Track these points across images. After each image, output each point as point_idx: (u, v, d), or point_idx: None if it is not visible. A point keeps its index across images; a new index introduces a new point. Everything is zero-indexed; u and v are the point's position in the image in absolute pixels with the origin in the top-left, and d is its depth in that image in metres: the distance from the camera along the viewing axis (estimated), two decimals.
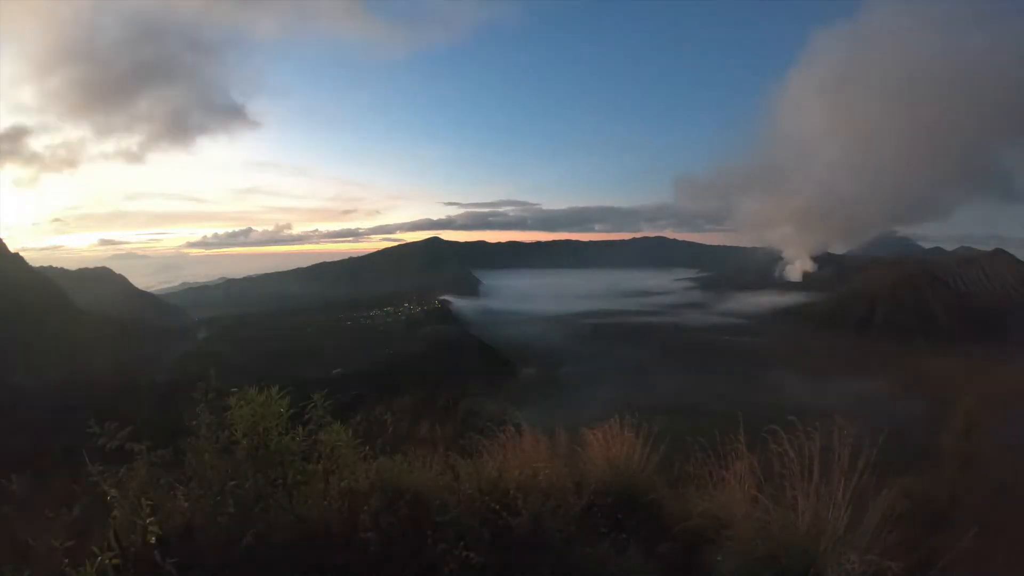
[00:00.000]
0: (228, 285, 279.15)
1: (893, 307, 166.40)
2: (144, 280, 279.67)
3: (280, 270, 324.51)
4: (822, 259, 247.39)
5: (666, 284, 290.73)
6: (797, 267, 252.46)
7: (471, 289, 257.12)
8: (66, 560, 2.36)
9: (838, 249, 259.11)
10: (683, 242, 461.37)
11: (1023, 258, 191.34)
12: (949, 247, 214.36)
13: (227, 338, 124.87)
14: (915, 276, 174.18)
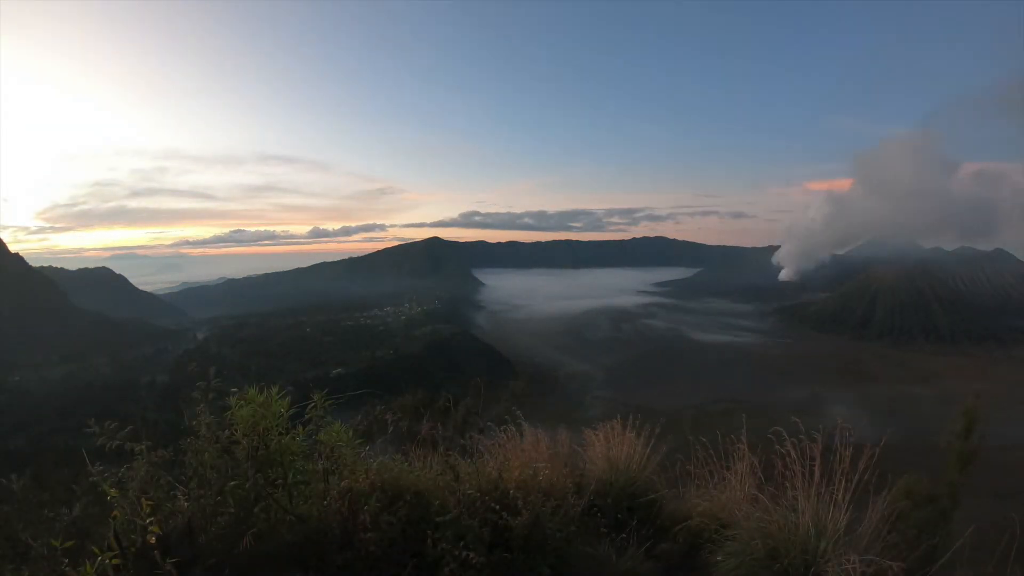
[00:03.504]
0: (228, 285, 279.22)
1: (893, 307, 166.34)
2: (144, 280, 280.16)
3: (280, 270, 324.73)
4: (821, 259, 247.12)
5: (661, 284, 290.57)
6: (793, 268, 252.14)
7: (470, 289, 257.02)
8: (66, 560, 2.36)
9: (838, 250, 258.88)
10: (682, 242, 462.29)
11: (1023, 258, 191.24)
12: (949, 247, 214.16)
13: (227, 338, 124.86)
14: (915, 276, 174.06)
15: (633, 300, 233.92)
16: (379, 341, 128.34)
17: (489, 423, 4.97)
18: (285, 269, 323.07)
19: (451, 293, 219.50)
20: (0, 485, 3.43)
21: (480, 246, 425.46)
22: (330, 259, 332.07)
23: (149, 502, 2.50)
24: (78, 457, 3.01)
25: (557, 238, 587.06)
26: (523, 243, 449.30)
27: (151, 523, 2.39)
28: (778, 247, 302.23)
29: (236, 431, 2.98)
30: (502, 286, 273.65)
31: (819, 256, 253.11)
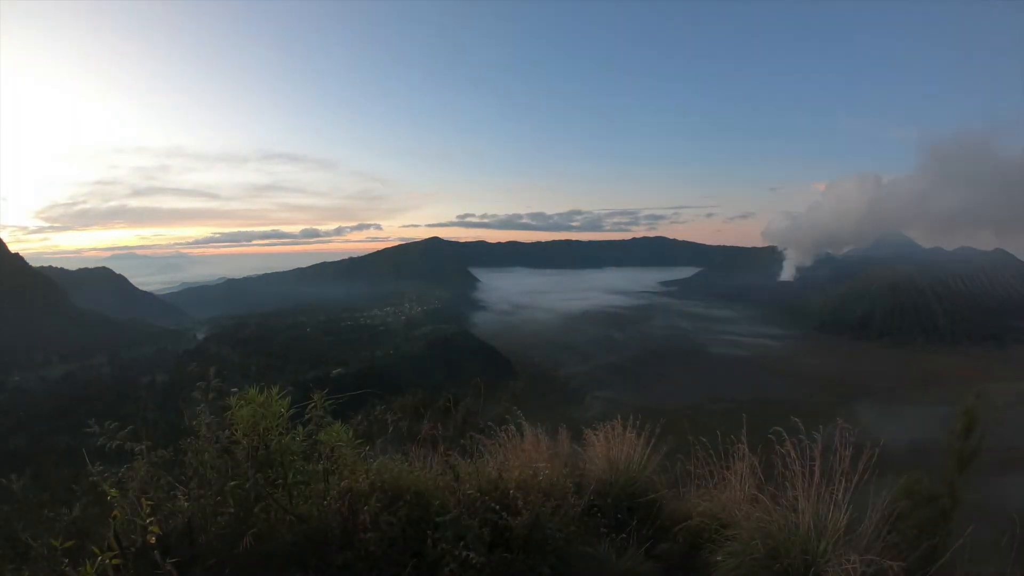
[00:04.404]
0: (228, 285, 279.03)
1: (893, 307, 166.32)
2: (144, 280, 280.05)
3: (280, 270, 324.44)
4: (822, 259, 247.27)
5: (662, 284, 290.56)
6: (791, 267, 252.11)
7: (470, 289, 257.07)
8: (66, 560, 2.36)
9: (838, 249, 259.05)
10: (682, 241, 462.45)
11: (1023, 258, 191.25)
12: (949, 247, 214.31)
13: (227, 338, 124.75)
14: (915, 276, 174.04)
15: (633, 300, 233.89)
16: (379, 341, 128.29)
17: (489, 423, 4.97)
18: (285, 269, 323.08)
19: (451, 293, 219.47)
20: (0, 485, 3.43)
21: (480, 246, 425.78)
22: (330, 259, 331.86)
23: (149, 502, 2.50)
24: (78, 457, 3.01)
25: (557, 238, 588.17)
26: (523, 243, 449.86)
27: (151, 523, 2.39)
28: (779, 247, 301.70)
29: (236, 431, 2.98)
30: (502, 286, 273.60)
31: (844, 247, 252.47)
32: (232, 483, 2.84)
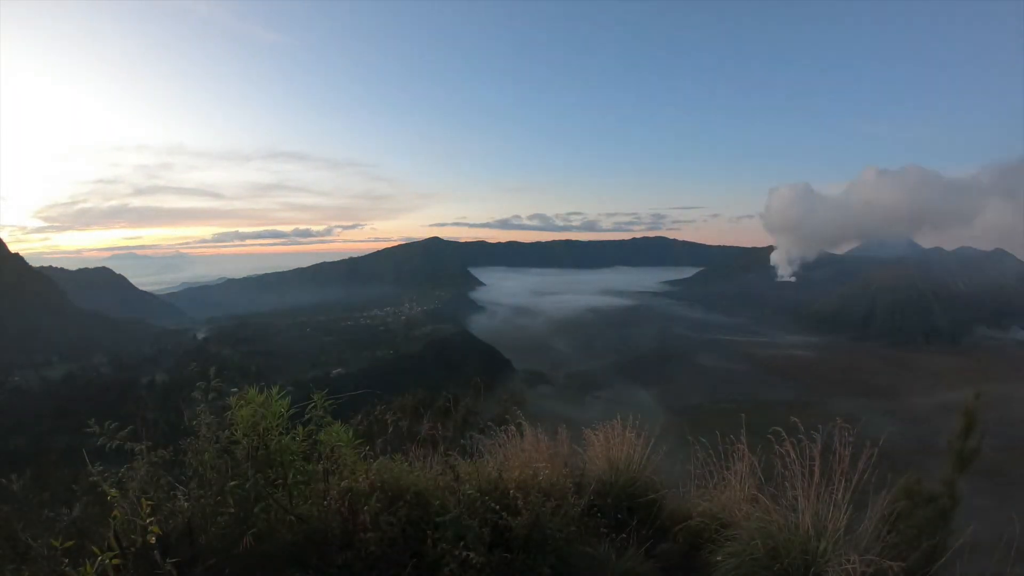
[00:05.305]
0: (228, 285, 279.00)
1: (893, 307, 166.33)
2: (144, 280, 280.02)
3: (280, 270, 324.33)
4: (822, 259, 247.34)
5: (662, 284, 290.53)
6: (790, 268, 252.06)
7: (470, 289, 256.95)
8: (66, 560, 2.36)
9: (838, 249, 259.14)
10: (682, 241, 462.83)
11: (1023, 258, 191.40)
12: (949, 247, 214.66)
13: (227, 338, 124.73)
14: (915, 276, 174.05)
15: (633, 300, 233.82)
16: (379, 341, 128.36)
17: (489, 423, 4.97)
18: (285, 269, 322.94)
19: (451, 293, 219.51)
20: (0, 485, 3.43)
21: (480, 246, 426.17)
22: (330, 259, 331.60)
23: (149, 502, 2.49)
24: (78, 457, 3.02)
25: (557, 238, 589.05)
26: (523, 243, 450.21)
27: (151, 523, 2.39)
28: (779, 244, 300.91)
29: (236, 431, 2.98)
30: (502, 286, 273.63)
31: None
32: (232, 483, 2.84)
